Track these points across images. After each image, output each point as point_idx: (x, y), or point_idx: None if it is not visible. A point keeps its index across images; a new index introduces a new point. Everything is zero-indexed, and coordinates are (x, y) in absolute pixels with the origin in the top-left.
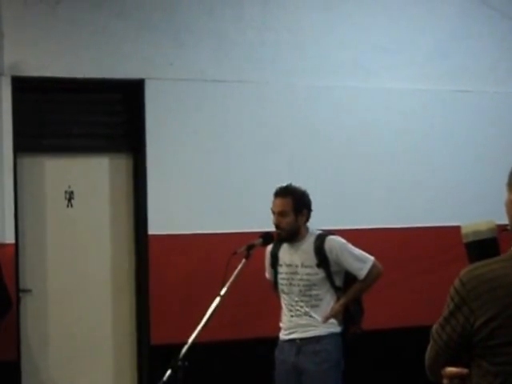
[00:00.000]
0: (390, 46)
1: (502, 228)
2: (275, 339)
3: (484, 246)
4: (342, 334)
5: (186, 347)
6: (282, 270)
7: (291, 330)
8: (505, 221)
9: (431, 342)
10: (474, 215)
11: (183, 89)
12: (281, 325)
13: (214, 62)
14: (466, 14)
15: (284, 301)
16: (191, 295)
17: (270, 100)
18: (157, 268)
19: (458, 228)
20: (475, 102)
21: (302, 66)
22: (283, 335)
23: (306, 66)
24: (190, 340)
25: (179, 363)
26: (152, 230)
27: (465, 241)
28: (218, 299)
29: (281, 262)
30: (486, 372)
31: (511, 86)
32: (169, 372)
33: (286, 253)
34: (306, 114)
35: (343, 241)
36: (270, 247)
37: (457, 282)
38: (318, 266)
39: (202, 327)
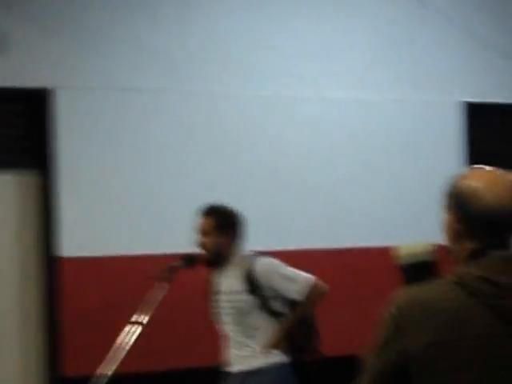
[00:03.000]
0: (325, 52)
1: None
2: (203, 369)
3: (420, 269)
4: (291, 364)
5: (104, 380)
6: (217, 297)
7: (233, 363)
8: None
9: (363, 373)
10: (417, 235)
11: (95, 98)
12: (225, 356)
13: (128, 70)
14: (406, 19)
15: (223, 331)
16: (107, 322)
17: (191, 110)
18: (69, 294)
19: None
20: (417, 112)
21: (224, 74)
22: (227, 367)
23: (229, 74)
24: (110, 372)
25: None
26: (64, 252)
27: (400, 263)
28: (134, 327)
29: (216, 289)
30: None
31: (455, 95)
32: None
33: (220, 279)
34: (230, 125)
35: (276, 262)
36: (211, 274)
37: (391, 307)
38: (249, 291)
39: (123, 357)
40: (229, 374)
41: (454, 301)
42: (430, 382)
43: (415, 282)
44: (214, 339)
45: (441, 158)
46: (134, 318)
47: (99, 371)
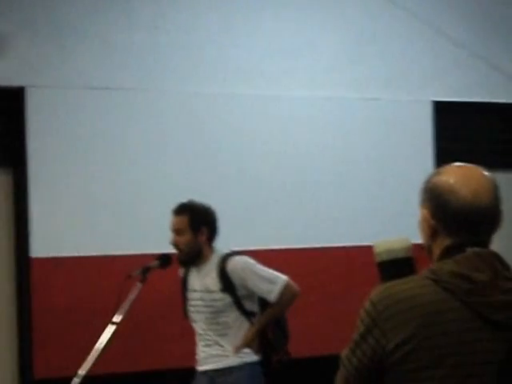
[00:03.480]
0: (291, 49)
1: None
2: (177, 370)
3: (398, 266)
4: (261, 363)
5: (77, 381)
6: (190, 295)
7: (203, 361)
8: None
9: (340, 369)
10: (390, 234)
11: (67, 97)
12: (196, 356)
13: (100, 68)
14: (373, 15)
15: (195, 329)
16: (79, 323)
17: (162, 109)
18: (40, 294)
19: (368, 248)
20: (386, 111)
21: (196, 71)
22: (197, 366)
23: (201, 71)
24: (83, 372)
25: None
26: (35, 252)
27: (377, 260)
28: (113, 327)
29: (189, 287)
30: None
31: (425, 94)
32: None
33: (193, 277)
34: (201, 123)
35: (250, 261)
36: (181, 271)
37: (367, 303)
38: (223, 290)
39: (96, 358)
40: (200, 372)
41: (429, 297)
42: (402, 379)
43: (394, 279)
44: (188, 339)
45: (413, 156)
46: (113, 319)
47: (75, 371)
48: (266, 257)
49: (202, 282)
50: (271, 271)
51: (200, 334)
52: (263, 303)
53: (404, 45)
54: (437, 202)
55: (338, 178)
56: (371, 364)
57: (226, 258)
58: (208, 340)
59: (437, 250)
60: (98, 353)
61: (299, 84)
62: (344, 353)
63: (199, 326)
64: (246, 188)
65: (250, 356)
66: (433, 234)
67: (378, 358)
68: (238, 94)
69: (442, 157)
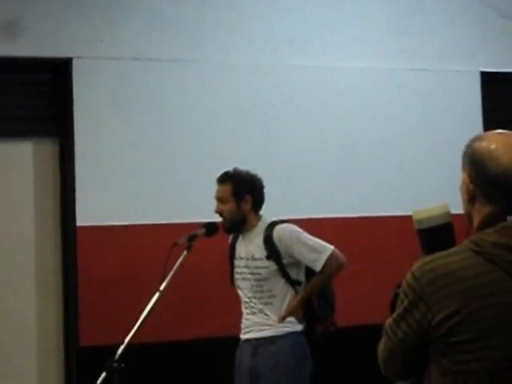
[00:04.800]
0: (339, 21)
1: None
2: (219, 340)
3: (438, 233)
4: (304, 333)
5: (122, 347)
6: (237, 263)
7: (247, 329)
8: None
9: (384, 339)
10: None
11: (114, 68)
12: (241, 324)
13: (147, 40)
14: None
15: (240, 297)
16: (123, 292)
17: (209, 80)
18: (86, 263)
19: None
20: (434, 82)
21: (243, 44)
22: (241, 334)
23: (248, 44)
24: (127, 340)
25: (115, 365)
26: (80, 221)
27: (417, 227)
28: (157, 294)
29: (236, 254)
30: (445, 370)
31: (473, 64)
32: (103, 375)
33: (240, 244)
34: (247, 94)
35: (296, 229)
36: (230, 238)
37: (409, 277)
38: (268, 258)
39: (140, 326)
40: (243, 341)
41: (473, 269)
42: (449, 351)
43: (434, 246)
44: (233, 308)
45: (461, 126)
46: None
47: (121, 340)
48: (313, 226)
49: (248, 249)
50: (317, 240)
51: (245, 302)
52: (310, 273)
53: (452, 15)
54: (476, 167)
55: (387, 149)
56: (416, 337)
57: (272, 225)
58: (253, 308)
59: (476, 218)
60: (142, 321)
61: (347, 55)
62: (388, 323)
63: (245, 293)
64: (294, 157)
65: (293, 325)
66: (472, 198)
67: (424, 331)
68: (286, 65)
69: (490, 127)
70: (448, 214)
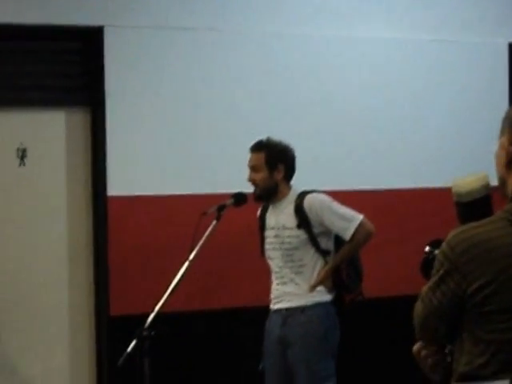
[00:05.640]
0: None
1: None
2: (247, 310)
3: (477, 205)
4: (333, 303)
5: (152, 315)
6: (267, 233)
7: (278, 299)
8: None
9: (421, 304)
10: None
11: (146, 37)
12: (271, 294)
13: (180, 9)
14: None
15: (271, 267)
16: (154, 262)
17: (242, 50)
18: (117, 232)
19: (444, 190)
20: (461, 53)
21: (275, 13)
22: (271, 305)
23: (279, 13)
24: (157, 308)
25: (145, 333)
26: (112, 191)
27: (456, 200)
28: (186, 264)
29: (266, 224)
30: (478, 339)
31: (501, 36)
32: (134, 342)
33: (270, 214)
34: (280, 64)
35: (327, 198)
36: (259, 210)
37: (445, 246)
38: (299, 227)
39: (170, 294)
40: (273, 311)
41: (508, 238)
42: (483, 320)
43: (472, 218)
44: (262, 278)
45: (488, 98)
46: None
47: (151, 309)
48: (340, 198)
49: (278, 218)
50: (347, 209)
51: (276, 272)
52: (338, 243)
53: None
54: None
55: (414, 121)
56: (450, 305)
57: (302, 195)
58: (283, 278)
59: (511, 185)
60: (172, 289)
61: (373, 26)
62: (424, 290)
63: (275, 263)
64: (321, 129)
65: (323, 295)
66: (509, 162)
67: (458, 300)
68: (316, 35)
69: None
70: (487, 186)
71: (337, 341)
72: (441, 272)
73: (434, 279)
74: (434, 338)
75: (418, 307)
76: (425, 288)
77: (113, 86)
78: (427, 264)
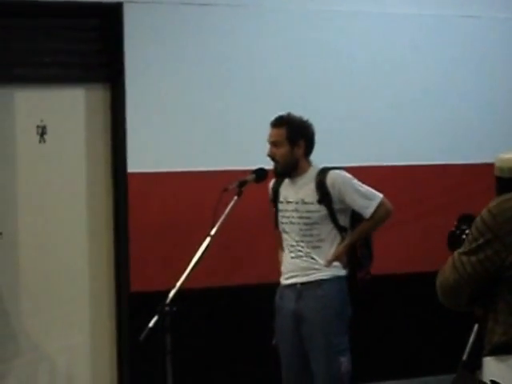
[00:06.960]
0: None
1: None
2: (266, 286)
3: None
4: (347, 279)
5: (173, 291)
6: (282, 206)
7: (292, 274)
8: None
9: (451, 269)
10: (485, 154)
11: (165, 13)
12: (281, 268)
13: None
14: None
15: (285, 241)
16: (174, 238)
17: (263, 26)
18: (137, 209)
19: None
20: (485, 29)
21: None
22: (283, 279)
23: None
24: (178, 284)
25: (167, 308)
26: (132, 167)
27: (498, 174)
28: (208, 239)
29: (281, 198)
30: None
31: None
32: (156, 318)
33: (287, 188)
34: (302, 40)
35: (348, 176)
36: (271, 182)
37: (486, 214)
38: (320, 202)
39: (191, 270)
40: (285, 286)
41: None
42: None
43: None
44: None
45: (510, 74)
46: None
47: (171, 285)
48: (359, 174)
49: (298, 193)
50: (368, 188)
51: (291, 246)
52: (354, 221)
53: None
54: None
55: (437, 97)
56: (486, 273)
57: (324, 171)
58: (300, 252)
59: None
60: (194, 265)
61: (396, 1)
62: (457, 255)
63: (292, 237)
64: (343, 105)
65: (339, 270)
66: None
67: (495, 269)
68: (333, 10)
69: None
70: None
71: (349, 317)
72: (480, 240)
73: (470, 246)
74: (459, 304)
75: (447, 273)
76: (456, 254)
77: (132, 63)
78: (455, 238)
